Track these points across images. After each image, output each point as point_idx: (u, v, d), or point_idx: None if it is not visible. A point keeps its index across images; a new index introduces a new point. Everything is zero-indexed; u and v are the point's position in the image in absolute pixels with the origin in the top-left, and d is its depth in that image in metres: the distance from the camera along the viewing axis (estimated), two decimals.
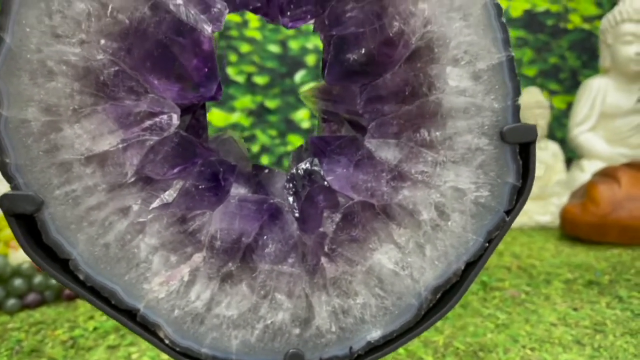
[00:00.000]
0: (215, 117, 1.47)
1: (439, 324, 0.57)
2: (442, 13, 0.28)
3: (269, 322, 0.29)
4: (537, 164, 1.16)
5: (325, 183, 0.29)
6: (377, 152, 0.29)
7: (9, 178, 0.26)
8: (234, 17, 1.44)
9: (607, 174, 0.95)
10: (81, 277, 0.27)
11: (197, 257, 0.28)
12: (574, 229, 0.94)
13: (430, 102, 0.28)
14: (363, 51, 0.28)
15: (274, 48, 1.48)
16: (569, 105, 1.45)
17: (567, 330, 0.54)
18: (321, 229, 0.29)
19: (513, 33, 1.54)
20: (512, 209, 0.30)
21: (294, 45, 1.48)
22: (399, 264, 0.30)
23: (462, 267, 0.30)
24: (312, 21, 0.29)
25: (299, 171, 0.29)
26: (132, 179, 0.27)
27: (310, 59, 1.51)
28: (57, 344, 0.55)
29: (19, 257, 0.67)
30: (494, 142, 0.29)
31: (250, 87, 1.49)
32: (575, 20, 1.54)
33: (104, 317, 0.62)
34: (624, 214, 0.88)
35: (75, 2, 0.25)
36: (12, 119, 0.26)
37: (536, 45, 1.55)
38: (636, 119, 1.21)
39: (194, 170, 0.28)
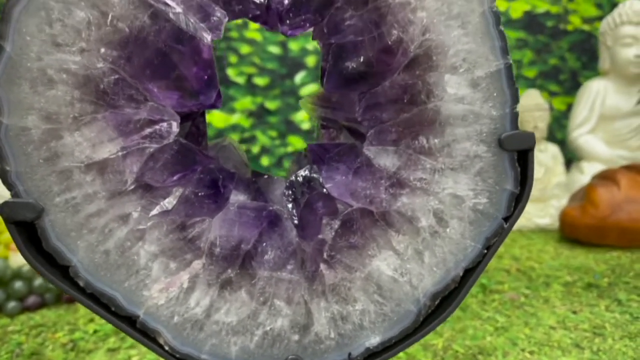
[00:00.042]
0: (216, 118, 1.47)
1: (438, 327, 0.57)
2: (440, 21, 0.28)
3: (268, 328, 0.29)
4: (537, 166, 1.16)
5: (324, 190, 0.29)
6: (376, 159, 0.29)
7: (9, 186, 0.26)
8: None
9: (606, 177, 0.95)
10: (81, 283, 0.27)
11: (197, 264, 0.28)
12: (574, 232, 0.94)
13: (428, 110, 0.28)
14: (362, 59, 0.28)
15: (274, 49, 1.48)
16: (569, 107, 1.45)
17: (566, 334, 0.54)
18: (320, 236, 0.29)
19: (513, 34, 1.54)
20: (510, 216, 0.30)
21: (294, 46, 1.49)
22: (397, 270, 0.30)
23: (461, 274, 0.30)
24: (311, 29, 0.29)
25: (298, 178, 0.30)
26: (132, 187, 0.27)
27: (311, 60, 1.51)
28: (58, 346, 0.56)
29: (19, 259, 0.67)
30: (492, 150, 0.29)
31: (250, 88, 1.49)
32: (575, 21, 1.54)
33: (104, 320, 0.62)
34: (623, 216, 0.88)
35: (76, 10, 0.26)
36: (12, 126, 0.26)
37: (536, 46, 1.56)
38: (636, 121, 1.21)
39: (194, 177, 0.28)
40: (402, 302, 0.30)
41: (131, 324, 0.28)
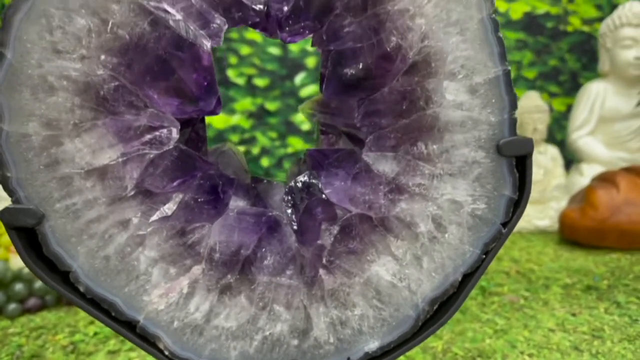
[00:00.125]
0: (216, 119, 1.47)
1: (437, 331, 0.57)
2: (439, 28, 0.28)
3: (267, 333, 0.29)
4: (536, 168, 1.16)
5: (324, 196, 0.29)
6: (375, 165, 0.29)
7: (10, 192, 0.26)
8: None
9: (605, 179, 0.95)
10: (81, 289, 0.28)
11: (196, 270, 0.29)
12: (573, 234, 0.94)
13: (427, 116, 0.29)
14: (361, 66, 0.28)
15: (274, 50, 1.48)
16: (569, 108, 1.45)
17: (565, 336, 0.54)
18: (319, 241, 0.29)
19: (513, 35, 1.54)
20: (509, 221, 0.30)
21: (294, 47, 1.49)
22: (396, 275, 0.30)
23: (459, 279, 0.30)
24: (310, 35, 0.30)
25: (297, 184, 0.30)
26: (132, 192, 0.27)
27: (311, 61, 1.51)
28: (58, 349, 0.56)
29: (19, 262, 0.67)
30: (490, 155, 0.29)
31: (250, 89, 1.49)
32: (575, 22, 1.55)
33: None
34: (623, 218, 0.88)
35: (76, 18, 0.26)
36: (13, 133, 0.26)
37: (536, 47, 1.56)
38: (635, 123, 1.21)
39: (194, 183, 0.28)
40: (400, 307, 0.30)
41: (131, 329, 0.29)
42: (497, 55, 0.28)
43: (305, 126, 1.50)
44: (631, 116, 1.22)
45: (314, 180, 0.30)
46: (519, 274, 0.79)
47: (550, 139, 1.43)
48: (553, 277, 0.76)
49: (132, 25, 0.26)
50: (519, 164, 0.30)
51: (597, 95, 1.25)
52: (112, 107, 0.27)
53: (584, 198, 0.95)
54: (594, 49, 1.45)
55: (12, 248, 0.68)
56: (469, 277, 0.30)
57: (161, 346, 0.29)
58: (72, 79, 0.26)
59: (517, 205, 0.30)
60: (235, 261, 0.29)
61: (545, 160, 1.18)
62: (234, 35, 1.45)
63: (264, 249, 0.29)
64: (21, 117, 0.26)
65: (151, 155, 0.27)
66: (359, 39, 0.28)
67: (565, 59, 1.56)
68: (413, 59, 0.28)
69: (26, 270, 0.67)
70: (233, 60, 1.47)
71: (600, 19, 1.48)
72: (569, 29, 1.55)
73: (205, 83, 0.27)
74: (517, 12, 1.54)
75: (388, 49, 0.28)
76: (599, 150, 1.22)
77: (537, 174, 1.16)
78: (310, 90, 1.51)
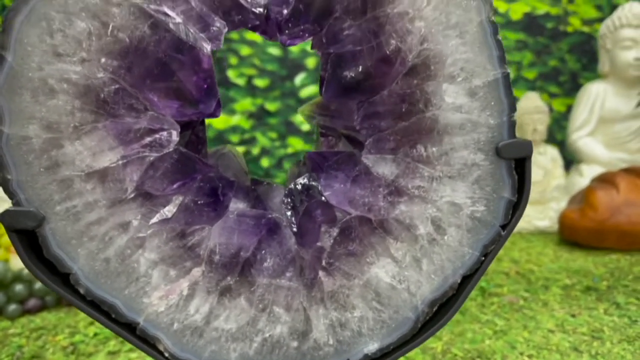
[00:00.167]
0: (216, 120, 1.47)
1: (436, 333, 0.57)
2: (438, 31, 0.28)
3: (267, 335, 0.29)
4: (536, 169, 1.16)
5: (323, 198, 0.29)
6: (374, 167, 0.29)
7: (10, 194, 0.27)
8: None
9: (605, 180, 0.95)
10: (82, 291, 0.28)
11: (196, 272, 0.29)
12: (573, 234, 0.94)
13: (426, 119, 0.29)
14: (360, 69, 0.28)
15: (275, 51, 1.48)
16: (569, 108, 1.45)
17: (564, 337, 0.55)
18: (319, 244, 0.29)
19: (513, 36, 1.55)
20: (508, 223, 0.30)
21: (294, 48, 1.49)
22: (395, 277, 0.30)
23: (459, 281, 0.30)
24: (310, 38, 0.30)
25: (297, 186, 0.30)
26: (132, 195, 0.28)
27: (311, 62, 1.51)
28: (58, 349, 0.56)
29: (20, 262, 0.67)
30: (489, 158, 0.29)
31: (250, 89, 1.50)
32: (575, 23, 1.55)
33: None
34: (622, 219, 0.88)
35: (77, 21, 0.26)
36: (13, 136, 0.26)
37: (536, 48, 1.56)
38: (635, 123, 1.21)
39: (194, 185, 0.28)
40: (400, 309, 0.30)
41: (131, 331, 0.29)
42: (496, 58, 0.28)
43: (305, 127, 1.50)
44: (631, 117, 1.22)
45: (313, 183, 0.30)
46: (518, 274, 0.79)
47: (551, 139, 1.43)
48: (553, 277, 0.76)
49: (132, 29, 0.26)
50: (518, 166, 0.30)
51: (597, 96, 1.25)
52: (112, 110, 0.27)
53: (583, 199, 0.95)
54: (594, 49, 1.45)
55: (13, 249, 0.68)
56: (468, 279, 0.30)
57: (161, 348, 0.29)
58: (73, 81, 0.26)
59: (516, 207, 0.30)
60: (235, 263, 0.29)
61: (545, 161, 1.18)
62: (234, 35, 1.45)
63: (263, 251, 0.30)
64: (22, 120, 0.26)
65: (151, 158, 0.27)
66: (358, 42, 0.28)
67: (565, 59, 1.56)
68: (412, 61, 0.28)
69: (26, 271, 0.67)
70: (233, 60, 1.47)
71: (600, 20, 1.48)
72: (569, 29, 1.55)
73: (205, 86, 0.27)
74: (517, 12, 1.55)
75: (387, 52, 0.28)
76: (598, 151, 1.22)
77: (537, 174, 1.16)
78: (310, 90, 1.51)
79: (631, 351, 0.51)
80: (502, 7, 1.54)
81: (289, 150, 1.52)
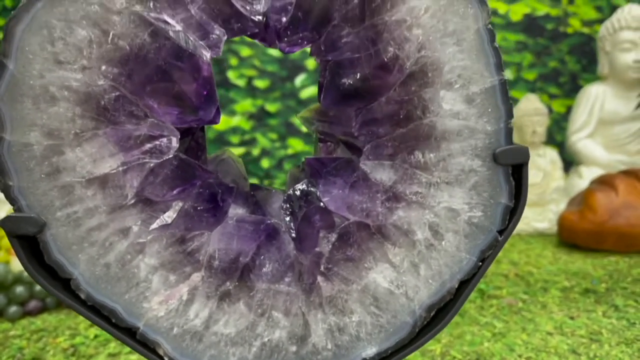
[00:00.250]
0: None
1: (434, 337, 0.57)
2: (436, 38, 0.28)
3: (266, 339, 0.30)
4: (535, 171, 1.16)
5: (322, 204, 0.29)
6: (373, 173, 0.29)
7: (12, 200, 0.27)
8: None
9: (604, 182, 0.95)
10: (82, 296, 0.28)
11: (196, 277, 0.29)
12: (572, 236, 0.94)
13: (424, 125, 0.29)
14: (358, 76, 0.28)
15: (275, 52, 1.49)
16: (569, 109, 1.45)
17: (563, 340, 0.55)
18: (317, 249, 0.29)
19: (513, 37, 1.55)
20: (505, 229, 0.30)
21: None
22: (393, 282, 0.30)
23: (456, 286, 0.30)
24: (308, 46, 0.30)
25: (296, 192, 0.30)
26: (132, 201, 0.28)
27: (311, 63, 1.51)
28: (59, 351, 0.56)
29: (20, 264, 0.68)
30: (487, 164, 0.29)
31: (250, 90, 1.50)
32: (575, 24, 1.55)
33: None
34: (621, 221, 0.88)
35: (77, 29, 0.26)
36: (15, 142, 0.26)
37: (536, 49, 1.56)
38: (634, 125, 1.22)
39: (193, 191, 0.29)
40: (398, 314, 0.30)
41: (131, 336, 0.29)
42: (494, 65, 0.29)
43: (305, 128, 1.50)
44: (630, 119, 1.22)
45: (312, 189, 0.30)
46: (517, 276, 0.79)
47: (550, 140, 1.44)
48: (551, 280, 0.77)
49: (133, 36, 0.26)
50: (515, 172, 0.30)
51: (596, 98, 1.25)
52: (112, 117, 0.27)
53: (582, 201, 0.95)
54: (593, 50, 1.45)
55: (13, 251, 0.69)
56: (465, 284, 0.31)
57: (161, 352, 0.29)
58: (73, 89, 0.26)
59: (513, 212, 0.30)
60: (234, 268, 0.29)
61: (545, 163, 1.18)
62: None
63: (262, 257, 0.30)
64: (23, 127, 0.26)
65: (151, 164, 0.27)
66: (356, 50, 0.28)
67: (565, 60, 1.56)
68: (410, 69, 0.28)
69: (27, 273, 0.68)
70: (233, 61, 1.48)
71: (600, 21, 1.48)
72: (569, 30, 1.55)
73: (205, 93, 0.28)
74: (517, 13, 1.55)
75: (385, 59, 0.28)
76: (598, 153, 1.22)
77: (536, 176, 1.16)
78: (310, 91, 1.52)
79: (629, 354, 0.51)
80: (502, 9, 1.54)
81: (289, 151, 1.53)
